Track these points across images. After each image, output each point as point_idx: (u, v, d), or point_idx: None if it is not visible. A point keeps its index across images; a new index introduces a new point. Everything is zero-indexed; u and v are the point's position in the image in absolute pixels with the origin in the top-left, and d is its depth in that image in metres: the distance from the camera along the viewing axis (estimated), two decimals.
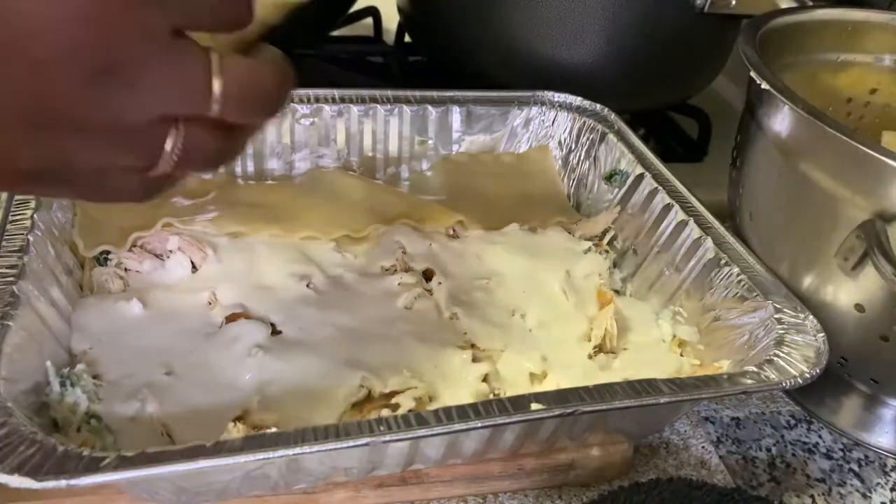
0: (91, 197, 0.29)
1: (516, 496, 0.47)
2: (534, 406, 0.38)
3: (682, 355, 0.51)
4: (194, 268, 0.52)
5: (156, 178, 0.28)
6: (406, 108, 0.64)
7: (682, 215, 0.55)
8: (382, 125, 0.64)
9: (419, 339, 0.49)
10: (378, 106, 0.63)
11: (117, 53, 0.24)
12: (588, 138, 0.65)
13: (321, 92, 0.62)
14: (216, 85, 0.26)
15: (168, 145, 0.27)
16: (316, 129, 0.62)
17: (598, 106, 0.66)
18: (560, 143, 0.67)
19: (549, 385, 0.48)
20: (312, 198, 0.60)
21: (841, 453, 0.54)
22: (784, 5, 0.66)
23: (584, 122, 0.66)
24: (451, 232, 0.59)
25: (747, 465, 0.52)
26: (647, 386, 0.40)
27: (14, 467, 0.31)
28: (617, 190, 0.62)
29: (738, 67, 0.57)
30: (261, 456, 0.33)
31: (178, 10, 0.26)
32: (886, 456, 0.55)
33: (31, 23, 0.23)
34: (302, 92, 0.62)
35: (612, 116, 0.65)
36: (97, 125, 0.26)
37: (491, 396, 0.47)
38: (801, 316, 0.46)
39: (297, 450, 0.34)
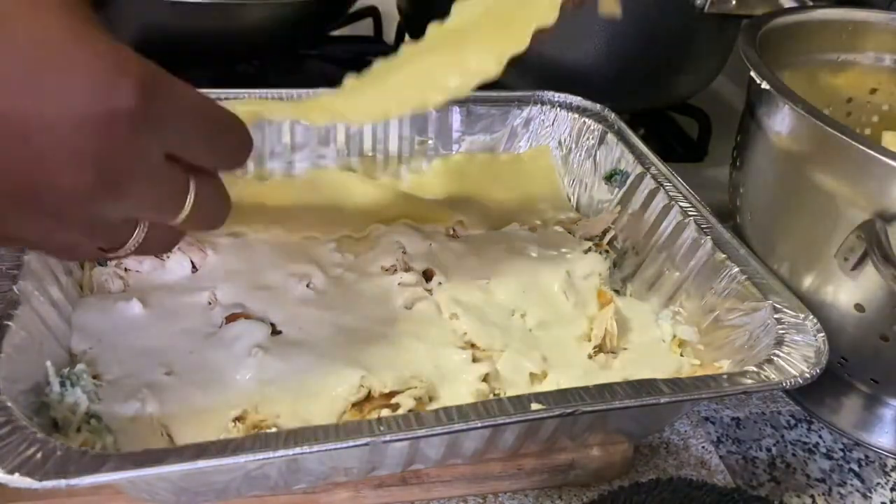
0: (52, 255, 0.36)
1: (516, 496, 0.47)
2: (534, 406, 0.37)
3: (682, 355, 0.51)
4: (194, 268, 0.52)
5: (111, 252, 0.33)
6: None
7: (682, 215, 0.55)
8: (382, 125, 0.64)
9: (419, 339, 0.49)
10: None
11: (113, 167, 0.27)
12: (588, 138, 0.65)
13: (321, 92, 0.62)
14: (186, 208, 0.31)
15: (132, 240, 0.32)
16: (316, 129, 0.62)
17: (598, 106, 0.66)
18: (560, 143, 0.67)
19: (549, 385, 0.48)
20: (312, 198, 0.59)
21: (841, 453, 0.54)
22: (784, 5, 0.66)
23: (584, 122, 0.66)
24: (451, 232, 0.59)
25: (747, 465, 0.52)
26: (647, 386, 0.40)
27: (14, 467, 0.31)
28: (617, 190, 0.62)
29: (738, 67, 0.57)
30: (261, 456, 0.33)
31: (177, 144, 0.29)
32: (886, 456, 0.55)
33: (42, 120, 0.25)
34: (302, 92, 0.62)
35: (612, 116, 0.65)
36: (78, 219, 0.29)
37: (491, 396, 0.47)
38: (801, 316, 0.45)
39: (297, 450, 0.34)
